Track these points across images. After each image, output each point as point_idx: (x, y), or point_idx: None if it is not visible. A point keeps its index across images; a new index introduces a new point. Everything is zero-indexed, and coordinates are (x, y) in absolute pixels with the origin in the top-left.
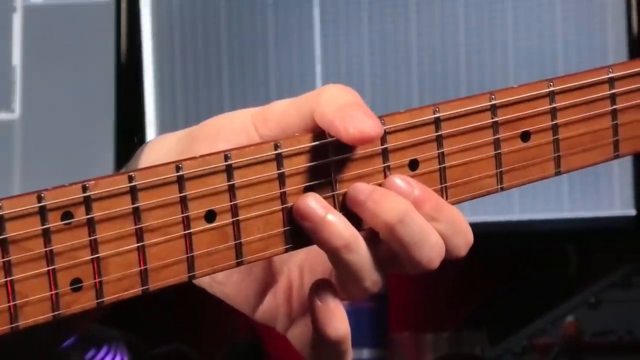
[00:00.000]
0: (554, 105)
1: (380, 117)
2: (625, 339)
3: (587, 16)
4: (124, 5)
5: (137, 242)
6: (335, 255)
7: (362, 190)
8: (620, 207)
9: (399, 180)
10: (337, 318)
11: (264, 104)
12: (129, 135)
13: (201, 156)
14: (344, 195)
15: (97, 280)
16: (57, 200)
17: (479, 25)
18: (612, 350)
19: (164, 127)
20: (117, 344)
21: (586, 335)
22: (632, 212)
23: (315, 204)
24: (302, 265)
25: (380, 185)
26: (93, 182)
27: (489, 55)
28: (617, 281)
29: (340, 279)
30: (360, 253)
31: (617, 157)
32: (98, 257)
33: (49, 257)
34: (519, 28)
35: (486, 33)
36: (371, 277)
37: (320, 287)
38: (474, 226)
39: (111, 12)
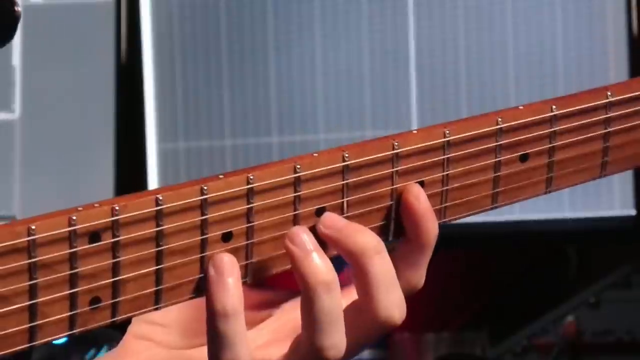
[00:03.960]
0: (554, 128)
1: (393, 137)
2: (625, 339)
3: (587, 16)
4: (124, 5)
5: (157, 264)
6: (312, 292)
7: (337, 221)
8: (620, 207)
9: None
10: (229, 292)
11: (264, 104)
12: (129, 136)
13: (225, 176)
14: (314, 227)
15: (114, 300)
16: (87, 225)
17: (479, 26)
18: (612, 350)
19: (164, 127)
20: (118, 344)
21: (586, 335)
22: (632, 212)
23: (306, 238)
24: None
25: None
26: (123, 203)
27: (489, 56)
28: (617, 281)
29: (302, 336)
30: (335, 297)
31: (603, 176)
32: (119, 279)
33: (73, 280)
34: (519, 28)
35: (486, 33)
36: (336, 332)
37: (217, 260)
38: (475, 226)
39: (111, 12)
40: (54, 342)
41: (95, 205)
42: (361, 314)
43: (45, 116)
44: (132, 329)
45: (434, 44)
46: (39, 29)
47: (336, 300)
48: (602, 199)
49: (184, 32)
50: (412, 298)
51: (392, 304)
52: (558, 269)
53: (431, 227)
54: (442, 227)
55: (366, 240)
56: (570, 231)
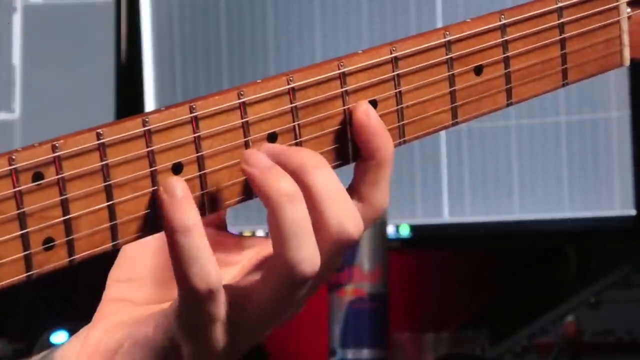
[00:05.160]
0: (505, 38)
1: (339, 59)
2: (625, 339)
3: None
4: (124, 5)
5: (107, 198)
6: (277, 206)
7: (274, 147)
8: (620, 207)
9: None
10: (185, 208)
11: None
12: None
13: (166, 108)
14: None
15: (68, 238)
16: (28, 162)
17: None
18: (612, 350)
19: None
20: None
21: (586, 335)
22: (632, 212)
23: (261, 156)
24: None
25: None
26: (62, 140)
27: None
28: (617, 281)
29: (275, 258)
30: (301, 208)
31: (565, 84)
32: (69, 215)
33: (22, 219)
34: None
35: None
36: (307, 244)
37: (166, 184)
38: (475, 226)
39: (111, 12)
40: (54, 342)
41: (35, 145)
42: (315, 232)
43: (45, 116)
44: (106, 293)
45: None
46: (39, 29)
47: (302, 211)
48: (602, 199)
49: (184, 32)
50: (413, 298)
51: (343, 216)
52: (558, 269)
53: (384, 142)
54: (442, 227)
55: (304, 156)
56: (570, 231)
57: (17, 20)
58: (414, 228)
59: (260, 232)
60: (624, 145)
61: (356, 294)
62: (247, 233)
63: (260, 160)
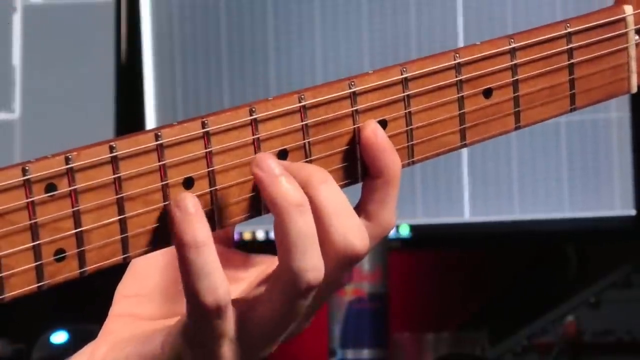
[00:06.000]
0: (515, 61)
1: (349, 78)
2: (625, 339)
3: None
4: (124, 5)
5: (118, 211)
6: (285, 214)
7: (282, 161)
8: (620, 207)
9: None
10: (196, 224)
11: None
12: None
13: (179, 123)
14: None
15: (79, 250)
16: (41, 173)
17: (478, 25)
18: (612, 350)
19: None
20: None
21: (586, 335)
22: (632, 212)
23: (272, 162)
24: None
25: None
26: (75, 152)
27: None
28: (617, 281)
29: (280, 266)
30: (308, 218)
31: (573, 110)
32: (81, 228)
33: (34, 229)
34: (519, 28)
35: (485, 33)
36: (313, 253)
37: (179, 198)
38: (475, 226)
39: (111, 12)
40: (54, 342)
41: (49, 156)
42: (321, 246)
43: (45, 116)
44: (112, 309)
45: (433, 44)
46: (39, 29)
47: (309, 221)
48: (602, 199)
49: (184, 32)
50: (413, 298)
51: (348, 231)
52: (558, 269)
53: (392, 160)
54: (442, 227)
55: (310, 171)
56: (570, 231)
57: (17, 20)
58: (414, 228)
59: (260, 233)
60: (624, 145)
61: (356, 294)
62: (247, 234)
63: (271, 166)
